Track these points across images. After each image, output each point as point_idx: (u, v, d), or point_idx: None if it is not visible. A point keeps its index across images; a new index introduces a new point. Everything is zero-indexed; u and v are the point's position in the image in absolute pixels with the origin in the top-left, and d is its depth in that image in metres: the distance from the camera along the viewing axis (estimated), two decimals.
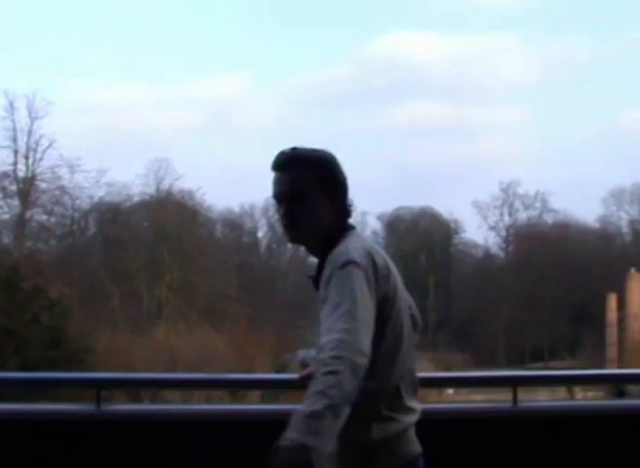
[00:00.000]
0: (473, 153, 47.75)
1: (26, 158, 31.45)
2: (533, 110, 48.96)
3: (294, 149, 2.05)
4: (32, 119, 31.19)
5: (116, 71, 47.22)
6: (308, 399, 1.68)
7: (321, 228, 1.99)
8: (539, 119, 47.29)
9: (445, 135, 48.67)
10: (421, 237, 40.69)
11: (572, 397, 13.24)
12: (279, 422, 2.24)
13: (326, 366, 1.71)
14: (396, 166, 45.78)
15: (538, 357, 32.15)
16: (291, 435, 1.66)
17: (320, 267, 1.99)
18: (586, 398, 12.49)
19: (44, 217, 33.48)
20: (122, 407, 2.71)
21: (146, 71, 48.27)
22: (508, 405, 2.63)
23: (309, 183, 1.99)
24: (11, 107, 30.98)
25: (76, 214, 34.81)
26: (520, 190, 40.20)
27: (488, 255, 41.64)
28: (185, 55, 48.31)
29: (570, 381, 4.00)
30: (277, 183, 2.03)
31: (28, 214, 32.22)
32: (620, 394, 8.05)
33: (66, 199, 33.86)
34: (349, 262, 1.87)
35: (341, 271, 1.86)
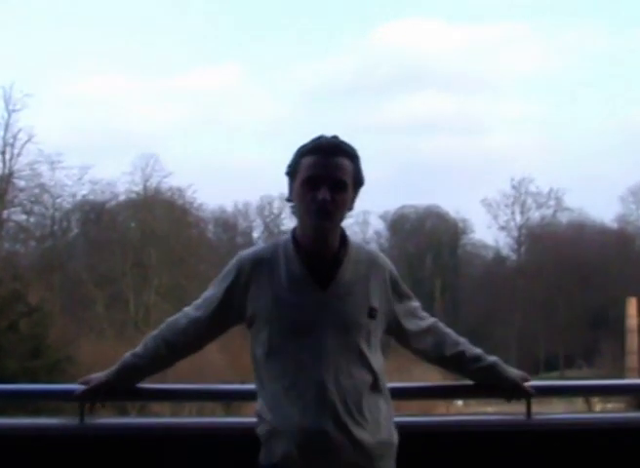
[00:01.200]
0: (483, 148, 47.85)
1: (3, 153, 31.50)
2: (546, 103, 49.09)
3: (336, 137, 2.18)
4: (9, 112, 31.29)
5: (100, 62, 47.29)
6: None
7: (342, 220, 2.16)
8: (552, 112, 47.53)
9: (452, 129, 48.83)
10: (427, 238, 40.72)
11: (590, 409, 13.25)
12: None
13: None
14: (400, 162, 45.84)
15: (553, 366, 32.19)
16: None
17: (325, 260, 2.13)
18: (605, 410, 12.51)
19: (22, 217, 33.52)
20: (107, 420, 2.70)
21: (133, 63, 48.39)
22: (521, 417, 2.62)
23: (350, 174, 2.15)
24: None
25: (57, 214, 34.84)
26: (532, 188, 40.30)
27: (498, 257, 41.68)
28: (175, 45, 48.44)
29: (587, 392, 4.00)
30: (321, 167, 2.12)
31: (5, 213, 32.19)
32: None
33: (47, 197, 33.91)
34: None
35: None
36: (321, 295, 2.12)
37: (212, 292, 2.28)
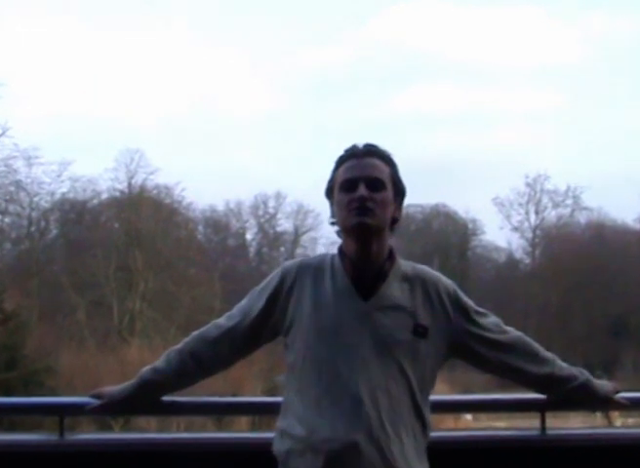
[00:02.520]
0: (494, 143, 47.87)
1: None
2: (563, 95, 49.19)
3: (370, 144, 2.31)
4: None
5: (81, 50, 47.31)
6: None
7: (386, 225, 2.24)
8: (570, 105, 47.53)
9: (461, 122, 48.84)
10: (434, 239, 40.73)
11: (609, 424, 13.23)
12: (271, 453, 2.24)
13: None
14: (404, 158, 45.42)
15: None
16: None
17: (370, 273, 2.21)
18: (626, 425, 12.49)
19: None
20: (89, 436, 2.70)
21: (116, 51, 48.35)
22: (536, 433, 2.62)
23: (387, 175, 2.26)
24: None
25: (34, 214, 34.78)
26: (548, 185, 40.32)
27: (511, 260, 41.69)
28: (163, 30, 48.42)
29: None
30: (356, 168, 2.24)
31: None
32: None
33: (23, 196, 33.88)
34: None
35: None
36: (362, 307, 2.18)
37: (250, 300, 2.33)
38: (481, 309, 2.34)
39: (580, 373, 2.40)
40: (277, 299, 2.26)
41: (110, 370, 20.41)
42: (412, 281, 2.25)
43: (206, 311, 30.32)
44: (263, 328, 2.29)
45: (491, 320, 2.33)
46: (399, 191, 2.29)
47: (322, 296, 2.21)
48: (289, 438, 2.17)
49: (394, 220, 2.27)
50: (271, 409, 2.48)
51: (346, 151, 2.30)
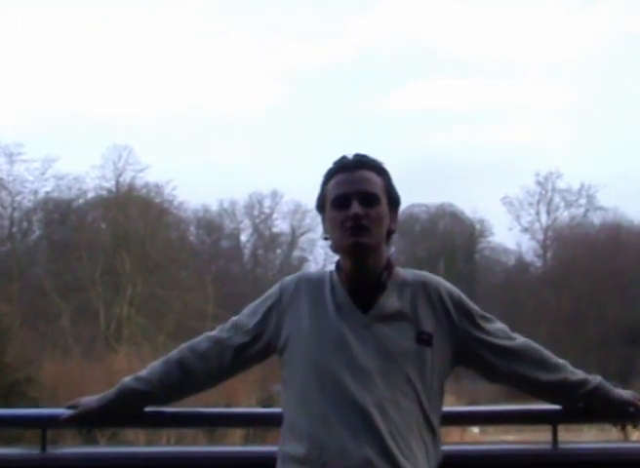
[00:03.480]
0: (503, 140, 47.95)
1: None
2: (577, 90, 49.25)
3: (360, 154, 2.31)
4: None
5: (65, 41, 47.34)
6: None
7: (382, 240, 2.26)
8: (584, 99, 47.59)
9: (468, 118, 48.91)
10: (440, 241, 40.75)
11: (625, 437, 13.20)
12: (267, 467, 2.23)
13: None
14: (409, 155, 45.83)
15: None
16: None
17: (367, 285, 2.23)
18: None
19: None
20: (73, 450, 2.70)
21: (103, 41, 48.36)
22: (547, 446, 2.62)
23: (380, 188, 2.27)
24: None
25: (16, 214, 34.81)
26: (561, 184, 40.34)
27: (521, 263, 41.71)
28: (154, 25, 48.45)
29: None
30: (347, 183, 2.25)
31: None
32: None
33: (4, 195, 33.90)
34: None
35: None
36: (362, 319, 2.21)
37: (244, 316, 2.35)
38: (486, 314, 2.35)
39: (594, 378, 2.41)
40: (272, 318, 2.29)
41: (96, 379, 20.39)
42: (412, 287, 2.27)
43: (198, 317, 30.35)
44: (255, 346, 2.31)
45: (497, 326, 2.34)
46: (394, 201, 2.31)
47: (321, 311, 2.24)
48: (293, 462, 2.16)
49: (390, 232, 2.29)
50: (267, 421, 2.48)
51: (335, 164, 2.30)
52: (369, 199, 2.23)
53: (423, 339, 2.21)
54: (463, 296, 2.32)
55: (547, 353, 2.37)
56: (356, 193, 2.22)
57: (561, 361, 2.38)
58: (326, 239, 2.31)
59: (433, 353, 2.22)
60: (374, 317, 2.21)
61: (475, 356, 2.29)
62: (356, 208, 2.20)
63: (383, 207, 2.26)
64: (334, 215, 2.24)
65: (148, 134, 44.96)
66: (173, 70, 47.25)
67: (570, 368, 2.38)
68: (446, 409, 2.32)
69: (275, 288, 2.35)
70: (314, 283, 2.30)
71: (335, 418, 2.12)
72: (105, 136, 45.59)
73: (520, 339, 2.35)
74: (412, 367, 2.18)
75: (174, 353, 2.36)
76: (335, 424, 2.12)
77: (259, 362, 2.36)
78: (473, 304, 2.34)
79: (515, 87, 49.83)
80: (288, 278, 2.36)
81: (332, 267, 2.36)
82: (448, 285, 2.33)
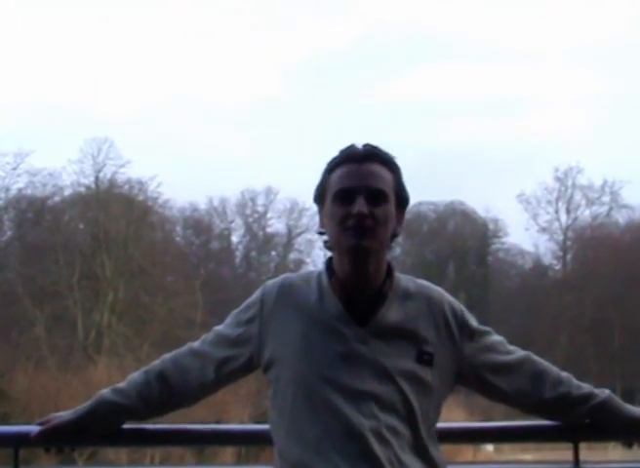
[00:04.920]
0: (519, 132, 48.02)
1: None
2: (601, 77, 49.31)
3: (370, 144, 2.26)
4: None
5: (42, 32, 47.31)
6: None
7: (386, 243, 2.21)
8: (608, 88, 47.65)
9: (481, 109, 48.99)
10: (450, 242, 40.80)
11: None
12: None
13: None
14: (416, 149, 45.86)
15: None
16: None
17: (365, 295, 2.19)
18: None
19: None
20: None
21: (83, 33, 48.33)
22: (568, 466, 2.62)
23: (390, 185, 2.22)
24: None
25: None
26: (582, 179, 40.42)
27: (539, 266, 41.77)
28: (134, 6, 48.43)
29: None
30: (354, 176, 2.19)
31: None
32: None
33: None
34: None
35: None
36: (358, 334, 2.17)
37: (229, 324, 2.32)
38: (484, 327, 2.33)
39: (601, 392, 2.38)
40: (254, 330, 2.25)
41: (73, 393, 20.39)
42: (414, 300, 2.24)
43: (185, 325, 30.39)
44: (239, 360, 2.28)
45: (495, 339, 2.33)
46: (402, 202, 2.26)
47: (310, 323, 2.19)
48: None
49: (394, 235, 2.24)
50: (261, 439, 2.47)
51: (342, 152, 2.25)
52: (376, 197, 2.17)
53: (424, 360, 2.19)
54: (465, 312, 2.30)
55: (549, 366, 2.36)
56: (363, 189, 2.17)
57: (564, 374, 2.37)
58: (321, 234, 2.26)
59: (434, 374, 2.20)
60: (372, 331, 2.17)
61: (475, 376, 2.28)
62: (361, 205, 2.15)
63: (391, 206, 2.20)
64: (335, 210, 2.18)
65: (131, 125, 45.07)
66: (157, 58, 47.37)
67: (574, 381, 2.36)
68: (457, 424, 2.32)
69: (256, 295, 2.29)
70: (299, 288, 2.24)
71: (329, 446, 2.10)
72: (84, 128, 45.70)
73: (519, 353, 2.34)
74: (411, 389, 2.16)
75: (155, 364, 2.35)
76: (329, 452, 2.10)
77: (244, 376, 2.34)
78: (473, 318, 2.32)
79: (533, 74, 50.00)
80: (270, 283, 2.30)
81: (320, 268, 2.28)
82: (451, 299, 2.30)
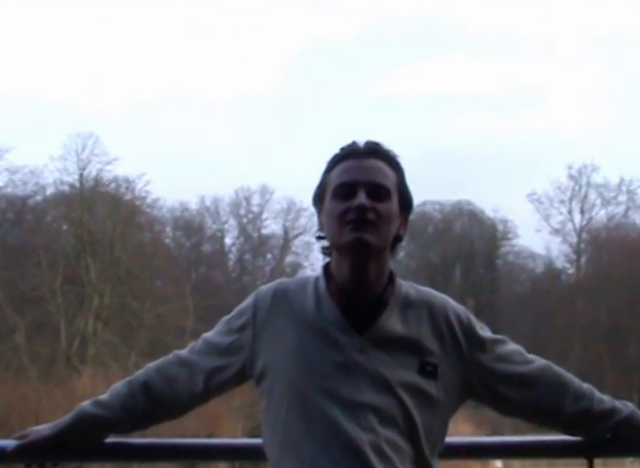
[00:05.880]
0: (530, 128, 48.04)
1: None
2: (617, 69, 49.30)
3: (371, 141, 2.28)
4: None
5: (24, 24, 47.30)
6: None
7: (389, 244, 2.21)
8: (624, 81, 47.65)
9: (489, 104, 48.98)
10: (456, 244, 40.83)
11: None
12: None
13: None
14: (420, 146, 45.92)
15: None
16: None
17: (364, 301, 2.19)
18: None
19: None
20: None
21: (65, 19, 48.30)
22: None
23: (393, 182, 2.23)
24: None
25: None
26: (597, 178, 40.46)
27: (551, 270, 41.79)
28: (130, 4, 48.39)
29: None
30: (355, 170, 2.21)
31: None
32: None
33: None
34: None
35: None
36: (357, 343, 2.17)
37: (219, 331, 2.32)
38: (497, 336, 2.32)
39: (624, 406, 2.38)
40: (246, 338, 2.25)
41: (56, 405, 20.36)
42: (416, 308, 2.24)
43: (175, 333, 30.39)
44: (229, 370, 2.28)
45: (510, 348, 2.32)
46: (406, 204, 2.26)
47: (305, 332, 2.19)
48: None
49: (397, 239, 2.24)
50: (255, 454, 2.47)
51: (343, 149, 2.26)
52: (378, 192, 2.18)
53: (427, 371, 2.18)
54: (472, 318, 2.30)
55: (570, 377, 2.35)
56: (364, 183, 2.17)
57: (586, 385, 2.36)
58: (319, 239, 2.26)
59: (438, 387, 2.19)
60: (371, 340, 2.16)
61: (487, 389, 2.27)
62: (362, 198, 2.15)
63: (394, 204, 2.20)
64: (334, 207, 2.18)
65: (117, 121, 45.06)
66: (148, 52, 47.35)
67: (597, 394, 2.35)
68: (464, 439, 2.32)
69: (249, 301, 2.29)
70: (295, 293, 2.24)
71: (326, 461, 2.10)
72: (68, 123, 45.69)
73: (538, 362, 2.33)
74: (412, 402, 2.15)
75: (139, 373, 2.35)
76: None
77: (235, 387, 2.34)
78: (482, 326, 2.31)
79: (545, 67, 50.07)
80: (263, 288, 2.30)
81: (317, 273, 2.28)
82: (456, 306, 2.29)
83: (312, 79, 48.65)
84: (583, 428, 2.37)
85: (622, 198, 40.67)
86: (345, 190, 2.18)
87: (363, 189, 2.16)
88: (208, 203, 40.00)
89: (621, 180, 40.19)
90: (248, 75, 48.77)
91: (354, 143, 2.26)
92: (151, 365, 2.36)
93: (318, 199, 2.26)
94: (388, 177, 2.21)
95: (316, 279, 2.27)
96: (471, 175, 46.13)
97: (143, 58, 48.77)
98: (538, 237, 46.44)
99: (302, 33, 49.54)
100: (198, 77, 49.16)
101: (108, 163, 34.94)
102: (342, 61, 49.33)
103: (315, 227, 2.31)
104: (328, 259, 2.27)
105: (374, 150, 2.24)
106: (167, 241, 39.62)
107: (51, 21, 48.46)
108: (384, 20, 49.82)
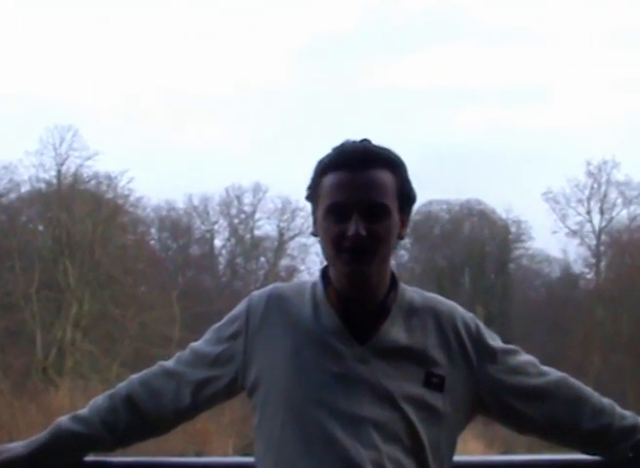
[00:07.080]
0: (545, 122, 48.09)
1: None
2: (636, 60, 49.25)
3: (366, 142, 2.25)
4: None
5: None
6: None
7: (389, 256, 2.22)
8: None
9: (500, 96, 48.98)
10: (465, 247, 40.83)
11: None
12: None
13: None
14: (426, 141, 45.98)
15: None
16: None
17: (365, 309, 2.20)
18: None
19: None
20: None
21: (48, 17, 48.31)
22: None
23: (391, 192, 2.21)
24: None
25: None
26: (618, 175, 40.42)
27: (568, 275, 41.79)
28: None
29: None
30: (348, 188, 2.17)
31: None
32: None
33: None
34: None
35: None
36: (357, 353, 2.18)
37: (208, 340, 2.32)
38: (507, 346, 2.33)
39: None
40: (238, 347, 2.26)
41: (30, 421, 20.35)
42: (421, 315, 2.25)
43: (161, 342, 30.39)
44: (219, 382, 2.29)
45: (522, 359, 2.33)
46: (407, 201, 2.26)
47: (302, 340, 2.20)
48: None
49: (398, 238, 2.26)
50: None
51: (335, 152, 2.24)
52: (376, 212, 2.18)
53: (434, 383, 2.19)
54: (482, 327, 2.30)
55: (589, 391, 2.35)
56: (359, 205, 2.16)
57: (606, 400, 2.36)
58: (315, 235, 2.27)
59: (445, 400, 2.20)
60: (373, 350, 2.18)
61: (499, 404, 2.27)
62: (358, 226, 2.14)
63: (393, 218, 2.21)
64: (328, 226, 2.19)
65: (98, 113, 45.07)
66: (130, 44, 47.31)
67: (618, 409, 2.35)
68: (474, 458, 2.32)
69: (241, 307, 2.31)
70: (291, 299, 2.25)
71: None
72: (45, 115, 45.67)
73: (554, 375, 2.34)
74: (417, 416, 2.16)
75: (121, 386, 2.35)
76: None
77: (225, 400, 2.35)
78: (493, 335, 2.32)
79: (562, 57, 50.06)
80: (257, 293, 2.31)
81: (315, 277, 2.30)
82: (464, 313, 2.31)
83: (307, 72, 48.71)
84: (603, 446, 2.36)
85: None
86: (339, 211, 2.17)
87: (357, 212, 2.15)
88: (196, 202, 39.99)
89: None
90: (240, 69, 48.79)
91: (346, 147, 2.24)
92: (135, 377, 2.37)
93: (311, 199, 2.27)
94: (386, 190, 2.20)
95: (313, 284, 2.28)
96: (482, 172, 46.12)
97: (128, 51, 48.79)
98: (553, 239, 46.37)
99: (298, 28, 49.53)
100: (185, 70, 49.16)
101: (88, 158, 34.95)
102: (341, 53, 49.42)
103: (311, 228, 2.31)
104: (326, 263, 2.28)
105: (367, 158, 2.21)
106: (152, 243, 39.63)
107: (29, 14, 48.45)
108: (387, 11, 49.84)
